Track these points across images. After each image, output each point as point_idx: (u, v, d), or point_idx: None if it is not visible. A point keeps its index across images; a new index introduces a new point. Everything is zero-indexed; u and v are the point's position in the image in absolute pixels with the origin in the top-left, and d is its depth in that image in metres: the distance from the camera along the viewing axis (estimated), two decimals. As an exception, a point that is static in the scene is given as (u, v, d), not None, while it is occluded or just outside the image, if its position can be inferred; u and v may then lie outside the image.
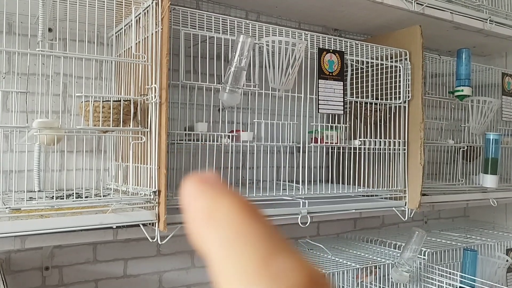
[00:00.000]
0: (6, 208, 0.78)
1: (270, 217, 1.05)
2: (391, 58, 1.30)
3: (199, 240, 0.20)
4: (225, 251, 0.19)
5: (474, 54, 1.77)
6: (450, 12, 1.42)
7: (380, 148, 1.28)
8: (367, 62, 1.29)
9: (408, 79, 1.28)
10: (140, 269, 1.25)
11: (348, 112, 1.32)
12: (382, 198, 1.32)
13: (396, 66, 1.28)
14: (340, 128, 1.20)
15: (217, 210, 0.20)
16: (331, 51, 1.16)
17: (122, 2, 0.91)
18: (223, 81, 0.98)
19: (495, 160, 1.49)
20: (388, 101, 1.29)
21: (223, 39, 1.02)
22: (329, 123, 1.18)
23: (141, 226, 0.88)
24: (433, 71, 1.56)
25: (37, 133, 0.81)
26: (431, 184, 1.48)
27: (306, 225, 1.08)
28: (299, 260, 0.18)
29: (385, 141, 1.27)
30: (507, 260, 1.45)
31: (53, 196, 0.87)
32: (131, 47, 0.92)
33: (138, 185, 0.93)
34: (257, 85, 1.05)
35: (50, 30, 1.07)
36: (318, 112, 1.13)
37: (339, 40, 1.18)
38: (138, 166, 0.94)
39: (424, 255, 1.33)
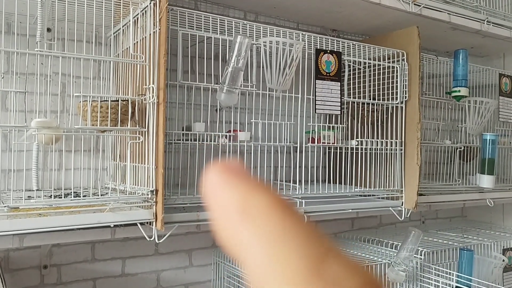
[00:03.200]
0: (5, 206, 0.79)
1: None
2: (388, 58, 1.31)
3: (229, 235, 0.18)
4: (266, 250, 0.17)
5: (471, 55, 1.78)
6: (448, 13, 1.43)
7: (377, 148, 1.29)
8: (364, 63, 1.29)
9: (405, 79, 1.29)
10: (138, 268, 1.26)
11: (345, 112, 1.32)
12: (379, 198, 1.32)
13: (393, 67, 1.29)
14: (337, 128, 1.21)
15: (253, 205, 0.18)
16: (328, 51, 1.16)
17: (120, 2, 0.92)
18: (220, 81, 0.98)
19: (492, 160, 1.49)
20: (385, 102, 1.30)
21: (220, 40, 1.02)
22: (326, 123, 1.19)
23: (138, 225, 0.89)
24: (430, 71, 1.57)
25: (35, 133, 0.82)
26: (428, 184, 1.49)
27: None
28: (352, 265, 0.17)
29: (382, 141, 1.28)
30: (503, 260, 1.46)
31: (51, 195, 0.88)
32: (129, 47, 0.93)
33: (136, 185, 0.94)
34: (254, 85, 1.06)
35: (49, 30, 1.08)
36: (315, 112, 1.14)
37: (336, 40, 1.19)
38: (136, 166, 0.95)
39: (421, 255, 1.33)
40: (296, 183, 1.14)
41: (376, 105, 1.30)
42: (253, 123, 1.08)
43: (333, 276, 0.16)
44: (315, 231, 0.18)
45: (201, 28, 1.00)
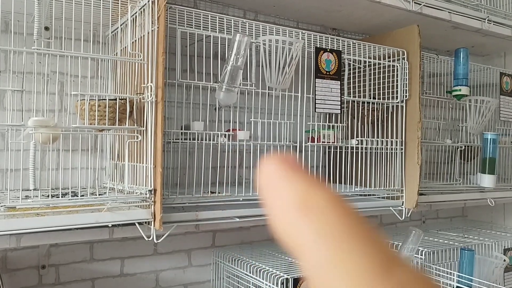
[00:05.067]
0: (1, 206, 0.78)
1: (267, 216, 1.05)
2: (389, 57, 1.30)
3: (287, 230, 0.18)
4: (327, 249, 0.16)
5: (472, 54, 1.77)
6: (448, 12, 1.42)
7: (378, 148, 1.28)
8: (365, 62, 1.29)
9: (406, 78, 1.28)
10: (137, 268, 1.25)
11: (345, 111, 1.32)
12: (379, 197, 1.31)
13: (393, 66, 1.28)
14: (337, 128, 1.20)
15: (314, 201, 0.18)
16: (328, 50, 1.15)
17: (119, 0, 0.91)
18: (219, 80, 0.97)
19: (492, 159, 1.49)
20: (386, 101, 1.29)
21: (220, 38, 1.01)
22: (326, 122, 1.18)
23: (137, 225, 0.88)
24: (431, 70, 1.56)
25: (33, 132, 0.81)
26: (429, 183, 1.48)
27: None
28: (419, 275, 0.16)
29: (382, 141, 1.27)
30: (504, 260, 1.45)
31: (49, 195, 0.87)
32: (128, 46, 0.92)
33: (134, 184, 0.93)
34: (254, 84, 1.05)
35: (46, 28, 1.07)
36: (315, 111, 1.13)
37: (336, 39, 1.18)
38: (134, 165, 0.94)
39: (422, 255, 1.33)
40: (295, 183, 1.12)
41: (377, 104, 1.30)
42: (252, 122, 1.07)
43: (401, 280, 0.15)
44: (378, 236, 0.17)
45: (200, 26, 0.99)
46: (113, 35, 1.08)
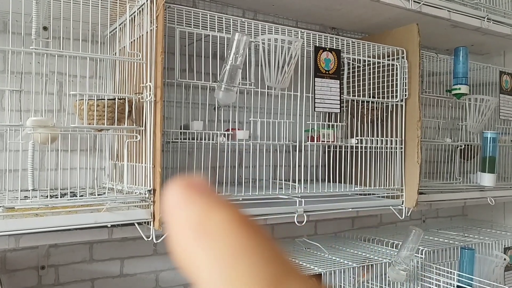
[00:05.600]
0: (0, 206, 0.78)
1: (266, 216, 1.05)
2: (388, 56, 1.30)
3: (185, 255, 0.17)
4: (221, 270, 0.16)
5: (472, 52, 1.77)
6: (448, 10, 1.42)
7: (377, 147, 1.28)
8: (364, 61, 1.28)
9: (405, 77, 1.28)
10: (137, 268, 1.25)
11: (345, 110, 1.32)
12: (379, 196, 1.31)
13: (393, 65, 1.28)
14: (336, 127, 1.20)
15: (210, 222, 0.17)
16: (327, 49, 1.15)
17: (117, 0, 0.91)
18: (218, 79, 0.97)
19: (492, 158, 1.48)
20: (385, 100, 1.29)
21: (219, 38, 1.01)
22: (325, 121, 1.18)
23: (136, 225, 0.88)
24: (430, 69, 1.56)
25: (31, 132, 0.81)
26: (429, 182, 1.48)
27: (303, 223, 1.08)
28: (309, 285, 0.16)
29: (382, 140, 1.27)
30: (504, 259, 1.45)
31: (48, 195, 0.87)
32: (126, 45, 0.92)
33: (133, 184, 0.93)
34: (253, 84, 1.05)
35: (45, 28, 1.07)
36: (315, 110, 1.13)
37: (335, 38, 1.18)
38: (133, 165, 0.94)
39: (422, 254, 1.33)
40: (295, 182, 1.13)
41: (376, 103, 1.30)
42: (251, 121, 1.07)
43: None
44: (276, 249, 0.17)
45: (199, 26, 0.99)
46: (111, 34, 1.08)
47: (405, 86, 1.28)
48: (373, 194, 1.33)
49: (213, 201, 0.18)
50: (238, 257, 0.16)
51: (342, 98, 1.18)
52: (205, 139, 1.00)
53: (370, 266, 1.26)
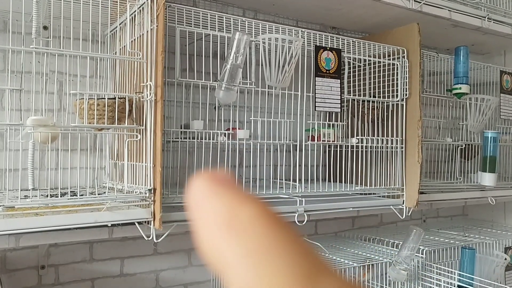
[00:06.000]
0: (0, 206, 0.78)
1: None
2: (389, 56, 1.30)
3: (212, 248, 0.17)
4: (252, 265, 0.16)
5: (472, 52, 1.77)
6: (448, 10, 1.42)
7: (378, 146, 1.28)
8: (365, 60, 1.28)
9: (406, 77, 1.28)
10: (137, 268, 1.25)
11: (345, 110, 1.31)
12: (379, 196, 1.31)
13: (393, 64, 1.28)
14: (337, 126, 1.19)
15: (240, 217, 0.17)
16: (328, 48, 1.15)
17: (117, -1, 0.91)
18: (219, 78, 0.97)
19: (493, 158, 1.48)
20: (386, 99, 1.28)
21: (219, 37, 1.01)
22: (326, 121, 1.18)
23: (136, 224, 0.88)
24: (431, 69, 1.56)
25: (31, 131, 0.81)
26: (429, 182, 1.48)
27: (303, 223, 1.07)
28: (343, 282, 0.16)
29: (382, 139, 1.27)
30: (505, 259, 1.45)
31: (48, 195, 0.87)
32: (127, 44, 0.91)
33: (133, 183, 0.93)
34: (253, 83, 1.05)
35: (45, 28, 1.07)
36: (315, 110, 1.13)
37: (336, 37, 1.18)
38: (133, 164, 0.94)
39: (422, 254, 1.32)
40: (296, 182, 1.12)
41: (377, 102, 1.29)
42: (252, 121, 1.07)
43: None
44: (307, 246, 0.17)
45: (200, 25, 0.99)
46: (112, 34, 1.08)
47: (406, 85, 1.28)
48: (373, 193, 1.33)
49: (241, 195, 0.18)
50: (269, 253, 0.16)
51: (342, 97, 1.18)
52: (205, 139, 1.00)
53: (370, 265, 1.26)
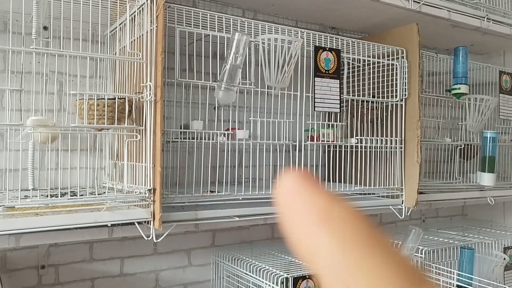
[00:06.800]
0: (1, 206, 0.78)
1: (266, 216, 1.05)
2: (388, 56, 1.30)
3: (303, 240, 0.18)
4: (346, 259, 0.16)
5: (472, 52, 1.77)
6: (447, 10, 1.42)
7: (377, 146, 1.28)
8: (364, 60, 1.28)
9: (405, 77, 1.28)
10: (137, 267, 1.25)
11: (344, 110, 1.32)
12: (379, 196, 1.31)
13: (392, 64, 1.28)
14: (336, 126, 1.20)
15: (332, 213, 0.18)
16: (327, 49, 1.15)
17: (117, 0, 0.91)
18: (218, 79, 0.97)
19: (492, 158, 1.48)
20: (385, 99, 1.29)
21: (219, 37, 1.01)
22: (325, 121, 1.18)
23: (136, 224, 0.88)
24: (430, 69, 1.56)
25: (31, 131, 0.81)
26: (428, 182, 1.48)
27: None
28: None
29: (382, 139, 1.27)
30: (504, 259, 1.45)
31: (48, 195, 0.87)
32: (126, 45, 0.92)
33: (133, 183, 0.93)
34: (253, 83, 1.05)
35: (45, 28, 1.07)
36: (314, 110, 1.13)
37: (335, 38, 1.18)
38: (133, 164, 0.94)
39: (422, 254, 1.33)
40: (295, 182, 1.12)
41: (376, 102, 1.30)
42: (251, 121, 1.07)
43: None
44: (399, 251, 0.17)
45: (199, 25, 0.99)
46: (111, 34, 1.08)
47: (405, 85, 1.28)
48: (373, 193, 1.33)
49: (330, 194, 0.19)
50: (369, 250, 0.17)
51: (342, 97, 1.18)
52: (205, 139, 1.00)
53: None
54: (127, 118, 0.90)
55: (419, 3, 1.34)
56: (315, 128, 1.17)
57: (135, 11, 0.94)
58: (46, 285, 1.13)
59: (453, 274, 1.30)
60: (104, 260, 1.20)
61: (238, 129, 1.06)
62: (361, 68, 1.31)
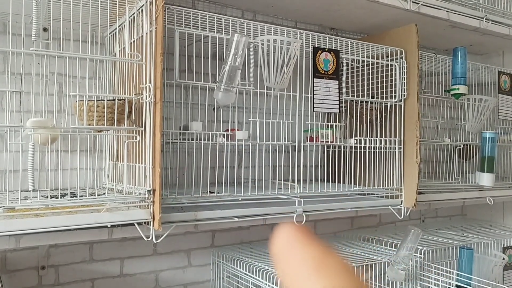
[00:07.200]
0: (1, 207, 0.78)
1: (266, 216, 1.06)
2: (387, 56, 1.30)
3: (299, 286, 0.21)
4: None
5: (471, 52, 1.77)
6: (446, 11, 1.42)
7: (376, 147, 1.28)
8: (363, 61, 1.29)
9: (404, 77, 1.28)
10: (137, 268, 1.25)
11: (344, 111, 1.32)
12: (378, 196, 1.32)
13: (392, 65, 1.29)
14: (335, 127, 1.20)
15: (327, 264, 0.21)
16: (326, 50, 1.16)
17: (117, 1, 0.91)
18: (218, 80, 0.98)
19: (491, 158, 1.49)
20: (384, 100, 1.29)
21: (218, 38, 1.02)
22: (324, 122, 1.18)
23: (136, 225, 0.89)
24: (429, 69, 1.56)
25: (31, 132, 0.81)
26: (428, 182, 1.48)
27: (302, 223, 1.08)
28: None
29: (381, 140, 1.27)
30: (503, 259, 1.46)
31: (48, 196, 0.87)
32: (126, 46, 0.92)
33: (133, 184, 0.94)
34: (252, 84, 1.05)
35: (45, 30, 1.07)
36: (314, 111, 1.13)
37: (334, 39, 1.19)
38: (133, 165, 0.94)
39: (421, 254, 1.33)
40: (295, 182, 1.13)
41: (375, 103, 1.30)
42: (251, 122, 1.07)
43: None
44: None
45: (198, 27, 0.99)
46: (111, 36, 1.08)
47: (404, 86, 1.28)
48: (372, 194, 1.33)
49: (322, 246, 0.22)
50: None
51: (341, 98, 1.18)
52: (204, 140, 1.00)
53: (369, 265, 1.26)
54: (127, 119, 0.91)
55: (418, 3, 1.34)
56: (315, 128, 1.17)
57: (134, 13, 0.94)
58: (46, 286, 1.13)
59: (452, 274, 1.30)
60: (104, 260, 1.20)
61: (238, 130, 1.06)
62: (360, 68, 1.31)
